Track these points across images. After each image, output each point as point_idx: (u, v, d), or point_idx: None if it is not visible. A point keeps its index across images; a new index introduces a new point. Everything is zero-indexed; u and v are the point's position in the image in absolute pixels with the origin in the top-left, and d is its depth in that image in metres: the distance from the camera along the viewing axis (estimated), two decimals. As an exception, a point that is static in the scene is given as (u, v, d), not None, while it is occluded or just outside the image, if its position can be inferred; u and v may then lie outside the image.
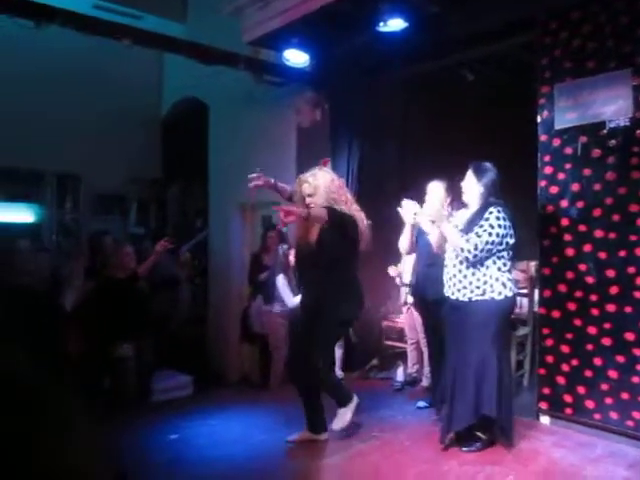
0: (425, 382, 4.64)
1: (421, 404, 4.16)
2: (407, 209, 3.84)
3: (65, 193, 7.11)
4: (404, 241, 4.05)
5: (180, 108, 7.46)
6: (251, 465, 3.21)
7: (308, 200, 3.43)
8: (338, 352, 5.04)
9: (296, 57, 4.71)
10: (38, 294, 3.66)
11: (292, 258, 4.75)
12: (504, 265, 3.22)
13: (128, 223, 7.41)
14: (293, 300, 4.73)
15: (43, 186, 6.86)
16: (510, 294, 3.21)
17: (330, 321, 3.39)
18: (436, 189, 3.94)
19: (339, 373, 5.03)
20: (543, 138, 3.81)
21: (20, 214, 6.60)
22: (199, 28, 6.38)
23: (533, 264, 4.91)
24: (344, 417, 3.47)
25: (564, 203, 3.69)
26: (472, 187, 3.31)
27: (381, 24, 4.02)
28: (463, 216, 3.38)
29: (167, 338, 4.94)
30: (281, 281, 4.82)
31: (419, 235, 4.01)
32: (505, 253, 3.22)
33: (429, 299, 3.85)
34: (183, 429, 3.80)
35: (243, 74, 5.16)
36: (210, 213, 6.95)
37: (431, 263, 3.79)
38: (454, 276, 3.27)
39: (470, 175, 3.32)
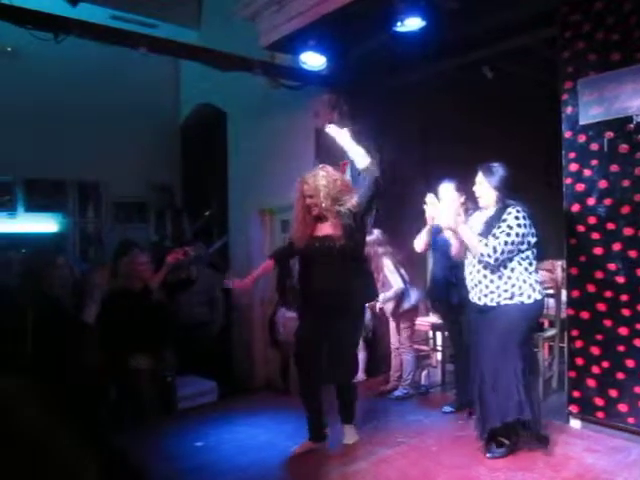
0: (400, 392, 4.49)
1: (447, 409, 4.08)
2: (432, 205, 3.76)
3: (86, 202, 7.18)
4: (421, 239, 4.01)
5: (198, 115, 7.50)
6: (277, 472, 3.19)
7: (308, 201, 3.35)
8: (361, 355, 5.00)
9: (313, 60, 4.67)
10: (65, 308, 3.69)
11: None
12: (530, 265, 3.14)
13: (149, 231, 7.45)
14: None
15: (65, 195, 6.95)
16: (539, 297, 3.13)
17: (359, 314, 3.40)
18: (447, 190, 3.88)
19: (361, 377, 4.99)
20: (568, 134, 3.72)
21: (44, 224, 6.70)
22: (214, 34, 6.40)
23: (559, 263, 4.81)
24: (353, 431, 3.49)
25: (591, 201, 3.59)
26: (486, 190, 3.23)
27: (398, 24, 3.96)
28: (479, 219, 3.30)
29: (193, 344, 4.94)
30: None
31: (436, 235, 3.95)
32: (529, 253, 3.13)
33: (453, 302, 3.78)
34: (209, 436, 3.78)
35: (259, 79, 5.16)
36: (229, 219, 6.96)
37: (452, 265, 3.72)
38: (479, 282, 3.18)
39: (482, 179, 3.24)
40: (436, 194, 3.96)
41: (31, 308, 3.67)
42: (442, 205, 3.60)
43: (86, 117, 6.60)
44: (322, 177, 3.36)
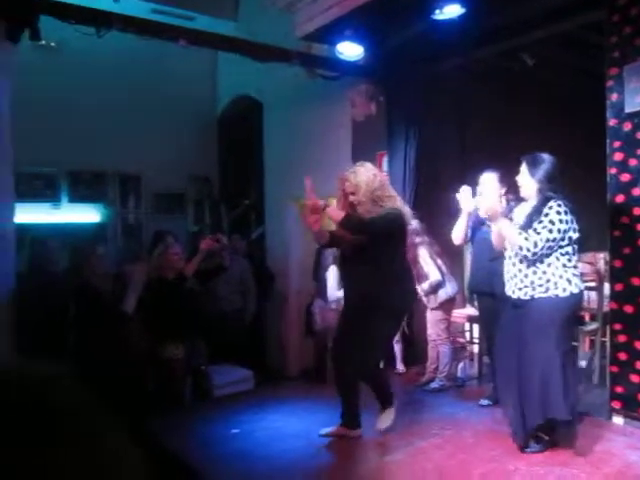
0: (436, 384, 4.48)
1: (484, 402, 4.03)
2: (465, 196, 3.75)
3: (127, 193, 7.35)
4: (458, 231, 3.95)
5: (235, 106, 7.56)
6: (311, 462, 3.22)
7: (351, 198, 3.39)
8: (397, 347, 4.99)
9: (350, 50, 4.65)
10: (105, 298, 3.79)
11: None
12: (569, 261, 3.03)
13: (187, 221, 7.57)
14: (336, 293, 4.72)
15: (106, 187, 7.12)
16: (576, 290, 3.02)
17: (379, 316, 3.32)
18: (489, 180, 3.80)
19: (401, 368, 4.98)
20: (612, 122, 3.60)
21: (87, 214, 6.89)
22: (251, 25, 6.42)
23: (601, 256, 4.68)
24: (390, 416, 3.49)
25: (637, 191, 3.47)
26: (527, 181, 3.13)
27: (437, 11, 3.90)
28: (522, 211, 3.22)
29: (227, 333, 5.01)
30: (331, 273, 4.78)
31: (476, 227, 3.89)
32: (569, 248, 3.03)
33: (496, 293, 3.71)
34: (244, 423, 3.84)
35: (296, 70, 5.16)
36: (266, 209, 7.01)
37: (495, 256, 3.64)
38: (515, 276, 3.11)
39: (524, 169, 3.15)
40: (474, 184, 3.91)
41: (74, 297, 3.79)
42: (483, 195, 3.56)
43: (126, 111, 6.74)
44: (362, 174, 3.36)
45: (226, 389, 4.53)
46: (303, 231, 6.15)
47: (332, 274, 4.77)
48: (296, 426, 3.75)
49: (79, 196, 6.85)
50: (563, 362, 2.97)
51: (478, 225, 3.88)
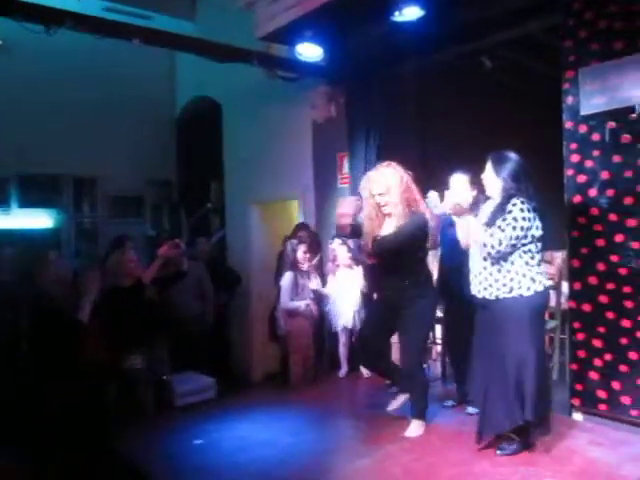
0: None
1: (448, 403, 4.05)
2: (434, 200, 3.77)
3: (82, 197, 7.11)
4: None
5: (193, 107, 7.43)
6: (279, 471, 3.13)
7: (379, 199, 3.39)
8: (343, 349, 4.94)
9: (309, 51, 4.61)
10: (60, 307, 3.62)
11: (300, 254, 4.70)
12: (532, 259, 3.06)
13: (145, 226, 7.37)
14: (292, 303, 4.67)
15: (60, 191, 6.87)
16: (540, 288, 3.06)
17: (421, 312, 3.47)
18: (459, 181, 3.81)
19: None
20: (569, 125, 3.67)
21: (40, 220, 6.63)
22: (209, 25, 6.32)
23: (559, 255, 4.78)
24: (415, 426, 3.53)
25: (593, 192, 3.55)
26: (492, 179, 3.14)
27: (396, 13, 3.90)
28: (487, 209, 3.25)
29: (188, 340, 4.89)
30: (287, 279, 4.73)
31: (444, 229, 3.90)
32: (532, 246, 3.06)
33: (465, 294, 3.73)
34: (208, 433, 3.74)
35: (256, 71, 5.09)
36: (227, 212, 6.91)
37: (462, 258, 3.66)
38: (479, 273, 3.13)
39: (489, 167, 3.17)
40: (435, 186, 3.93)
41: (25, 305, 3.62)
42: (450, 194, 3.58)
43: (81, 112, 6.53)
44: (391, 175, 3.39)
45: (189, 398, 4.40)
46: (265, 233, 6.12)
47: (287, 281, 4.72)
48: (262, 434, 3.67)
49: (30, 201, 6.59)
50: (535, 364, 2.98)
51: (446, 227, 3.90)
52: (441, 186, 3.89)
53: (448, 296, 3.99)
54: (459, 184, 3.76)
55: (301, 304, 4.71)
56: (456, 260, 3.77)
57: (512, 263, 3.04)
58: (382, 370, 3.83)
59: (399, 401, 3.69)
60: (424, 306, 3.51)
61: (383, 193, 3.37)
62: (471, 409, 3.86)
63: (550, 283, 3.25)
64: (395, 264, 3.45)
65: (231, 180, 6.81)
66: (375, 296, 3.84)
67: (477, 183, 3.60)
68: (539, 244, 3.09)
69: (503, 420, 3.03)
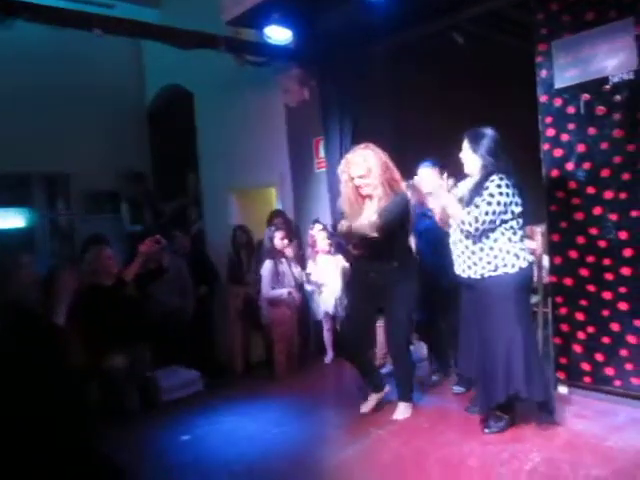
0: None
1: (435, 378, 4.09)
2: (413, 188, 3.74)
3: (55, 194, 6.95)
4: None
5: (164, 97, 7.27)
6: (268, 463, 3.11)
7: (359, 182, 3.32)
8: (327, 335, 4.92)
9: (278, 34, 4.51)
10: (32, 310, 3.51)
11: (277, 242, 4.65)
12: (514, 235, 3.04)
13: (122, 221, 7.21)
14: (273, 291, 4.62)
15: (32, 189, 6.70)
16: (525, 264, 3.04)
17: (406, 292, 3.44)
18: (426, 174, 3.77)
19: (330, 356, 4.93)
20: (543, 99, 3.64)
21: (11, 220, 6.46)
22: (175, 12, 6.17)
23: (538, 229, 4.77)
24: (402, 408, 3.51)
25: (570, 166, 3.53)
26: (470, 157, 3.11)
27: (365, -8, 3.82)
28: (465, 187, 3.22)
29: (170, 334, 4.82)
30: (266, 267, 4.67)
31: (419, 219, 3.87)
32: (514, 222, 3.03)
33: (444, 286, 3.72)
34: (194, 428, 3.70)
35: (225, 57, 4.96)
36: (204, 203, 6.80)
37: (438, 249, 3.65)
38: (462, 253, 3.11)
39: (466, 145, 3.14)
40: (412, 168, 3.88)
41: (-2, 311, 3.50)
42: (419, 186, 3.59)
43: (48, 106, 6.35)
44: (372, 156, 3.32)
45: (174, 393, 4.35)
46: (244, 222, 6.02)
47: (267, 270, 4.66)
48: (249, 427, 3.64)
49: (1, 201, 6.41)
50: (525, 337, 2.99)
51: (420, 217, 3.87)
52: (415, 169, 3.85)
53: (422, 283, 4.00)
54: (426, 176, 3.74)
55: (283, 292, 4.66)
56: (431, 250, 3.79)
57: (495, 240, 3.02)
58: (360, 368, 3.71)
59: (372, 402, 3.67)
60: (410, 287, 3.48)
61: (364, 175, 3.31)
62: (457, 388, 3.88)
63: (533, 259, 3.21)
64: (381, 245, 3.37)
65: (207, 169, 6.69)
66: (356, 281, 3.74)
67: (445, 166, 3.57)
68: (520, 220, 3.07)
69: (496, 394, 3.03)
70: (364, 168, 3.30)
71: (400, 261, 3.45)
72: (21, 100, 6.13)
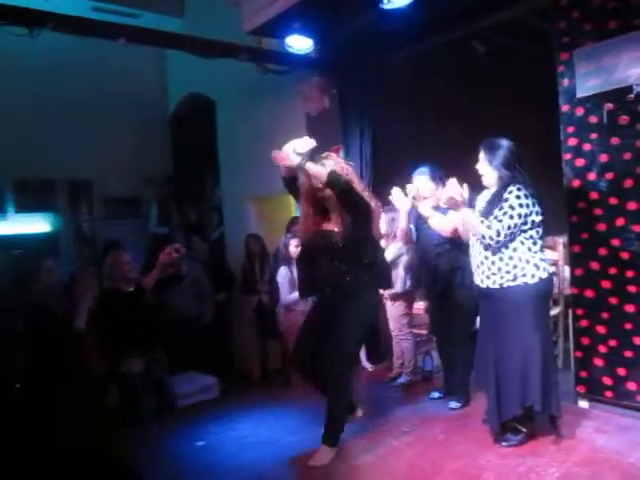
0: (403, 379, 4.44)
1: (435, 395, 4.02)
2: (397, 196, 3.79)
3: (79, 200, 7.08)
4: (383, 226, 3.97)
5: (186, 105, 7.36)
6: (282, 470, 3.11)
7: (320, 194, 3.18)
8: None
9: (299, 43, 4.53)
10: (55, 314, 3.58)
11: (292, 249, 4.63)
12: (534, 244, 2.99)
13: (149, 224, 7.32)
14: (290, 296, 4.62)
15: (56, 194, 6.83)
16: (545, 275, 2.99)
17: (362, 311, 3.13)
18: (421, 181, 3.81)
19: (367, 365, 4.90)
20: (565, 108, 3.60)
21: (36, 225, 6.59)
22: (198, 22, 6.25)
23: (560, 240, 4.71)
24: (322, 453, 3.11)
25: (592, 176, 3.48)
26: (486, 169, 3.09)
27: (385, 1, 3.82)
28: (483, 198, 3.19)
29: (188, 340, 4.85)
30: (282, 274, 4.69)
31: (419, 225, 3.86)
32: (533, 232, 2.99)
33: (439, 289, 3.71)
34: (209, 435, 3.71)
35: (247, 66, 5.02)
36: (224, 209, 6.86)
37: (439, 253, 3.69)
38: (482, 263, 3.07)
39: (482, 156, 3.11)
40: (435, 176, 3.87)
41: (21, 314, 3.58)
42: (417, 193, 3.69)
43: (73, 114, 6.47)
44: (330, 166, 3.07)
45: (190, 399, 4.37)
46: (263, 229, 6.06)
47: (283, 277, 4.67)
48: (263, 434, 3.64)
49: (26, 206, 6.56)
50: (543, 349, 2.95)
51: (420, 223, 3.85)
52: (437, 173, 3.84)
53: (428, 290, 3.97)
54: (421, 182, 3.78)
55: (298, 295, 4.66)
56: (432, 255, 3.77)
57: (514, 250, 2.98)
58: (321, 388, 3.25)
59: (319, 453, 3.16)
60: (364, 307, 3.15)
61: (324, 186, 3.05)
62: (453, 404, 3.81)
63: (553, 269, 3.16)
64: (338, 258, 3.10)
65: (227, 176, 6.75)
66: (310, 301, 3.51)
67: (442, 179, 3.61)
68: (540, 230, 3.02)
69: (511, 407, 2.99)
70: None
71: (358, 276, 3.10)
72: (46, 108, 6.27)
